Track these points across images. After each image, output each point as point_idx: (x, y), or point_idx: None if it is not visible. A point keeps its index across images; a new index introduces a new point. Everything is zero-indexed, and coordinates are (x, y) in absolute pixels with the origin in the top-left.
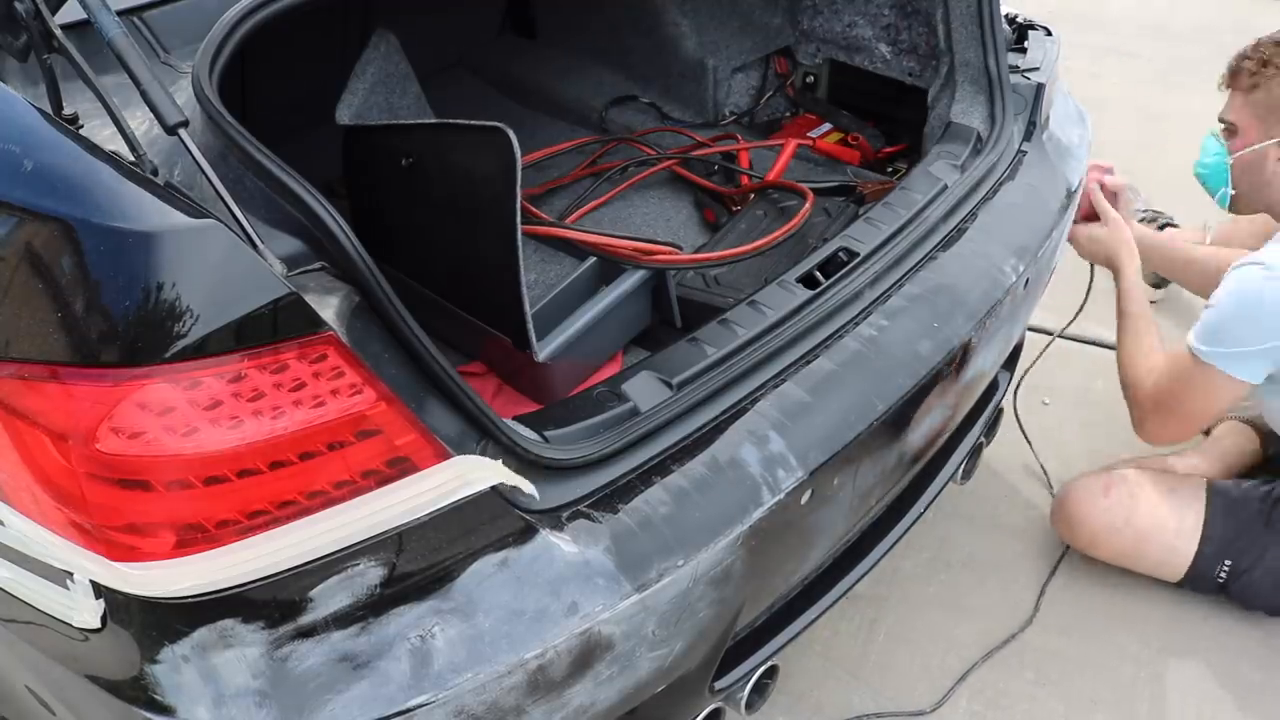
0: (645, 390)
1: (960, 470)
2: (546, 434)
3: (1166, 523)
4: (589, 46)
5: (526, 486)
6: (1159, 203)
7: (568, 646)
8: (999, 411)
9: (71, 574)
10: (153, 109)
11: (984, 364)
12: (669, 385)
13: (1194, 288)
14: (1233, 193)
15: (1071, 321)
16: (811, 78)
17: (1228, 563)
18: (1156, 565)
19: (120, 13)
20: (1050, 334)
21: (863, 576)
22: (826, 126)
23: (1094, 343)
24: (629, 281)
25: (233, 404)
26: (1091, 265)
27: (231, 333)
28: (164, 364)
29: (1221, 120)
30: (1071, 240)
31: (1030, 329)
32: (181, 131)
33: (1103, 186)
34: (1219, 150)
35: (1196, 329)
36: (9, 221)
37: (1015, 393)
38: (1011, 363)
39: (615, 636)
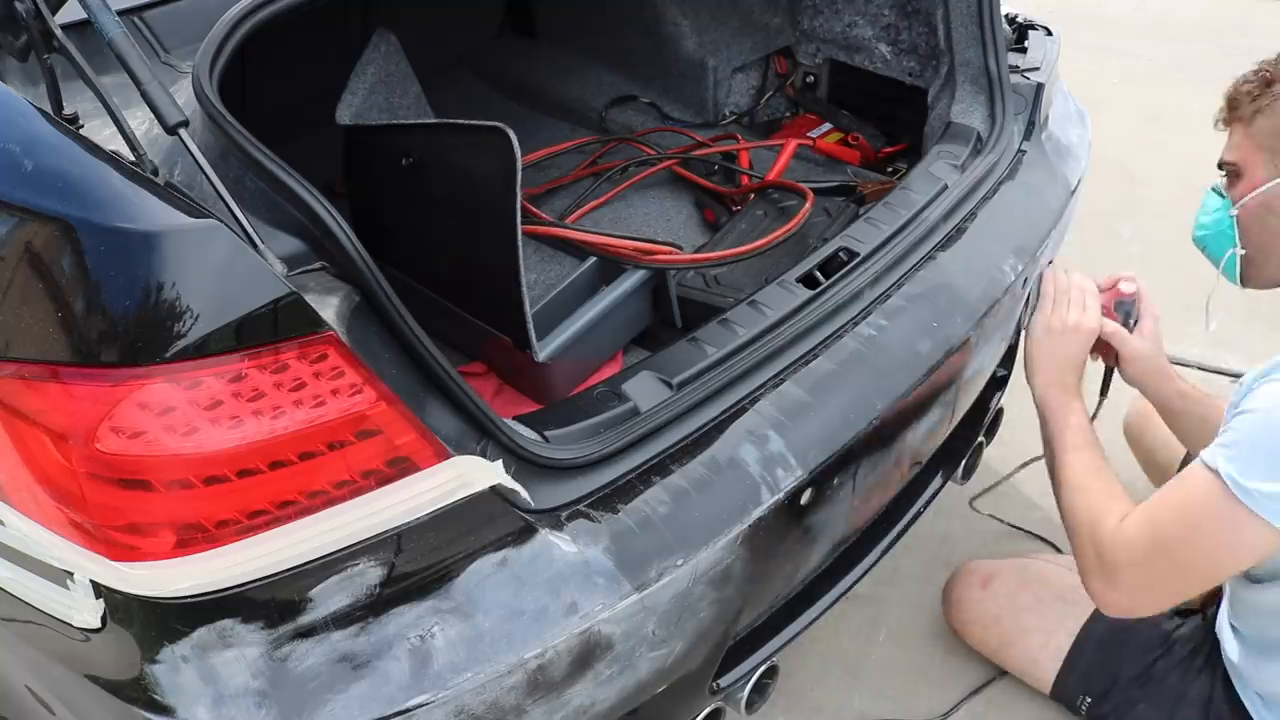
0: (645, 390)
1: (960, 470)
2: (546, 434)
3: (1033, 636)
4: (589, 46)
5: (523, 491)
6: (1160, 203)
7: (567, 646)
8: (999, 411)
9: (71, 574)
10: (153, 109)
11: (983, 363)
12: (669, 385)
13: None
14: (1243, 253)
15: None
16: (811, 78)
17: (1087, 699)
18: (1020, 673)
19: (120, 13)
20: None
21: (862, 576)
22: (826, 126)
23: None
24: (629, 281)
25: (233, 404)
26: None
27: (232, 332)
28: (164, 364)
29: (1221, 164)
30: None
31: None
32: (181, 131)
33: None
34: (1220, 207)
35: (1226, 452)
36: (9, 221)
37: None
38: (1010, 362)
39: (615, 636)
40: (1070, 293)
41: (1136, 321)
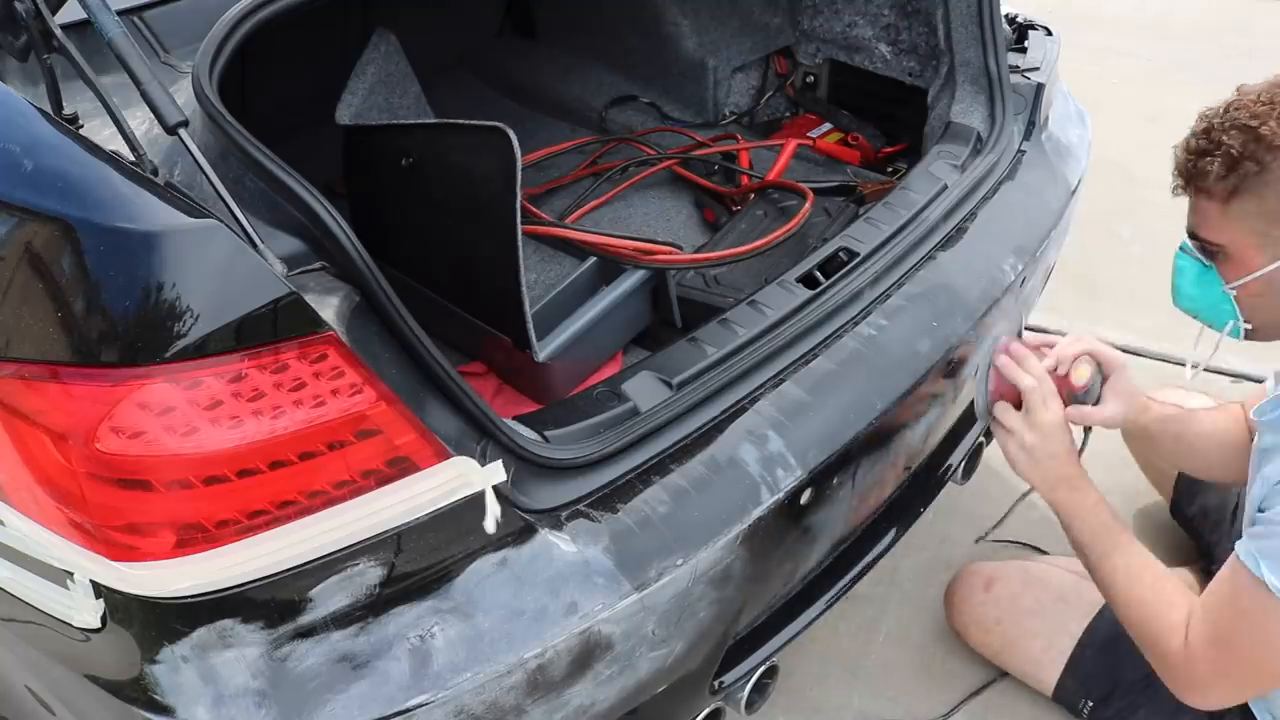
0: (645, 390)
1: (960, 470)
2: (546, 434)
3: (1035, 639)
4: (589, 46)
5: (493, 515)
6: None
7: (567, 646)
8: None
9: (71, 574)
10: (153, 109)
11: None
12: (669, 385)
13: (1201, 465)
14: (1249, 326)
15: None
16: (811, 77)
17: (1089, 703)
18: (1021, 675)
19: (120, 13)
20: (1048, 333)
21: (862, 576)
22: (826, 126)
23: None
24: (629, 281)
25: (233, 404)
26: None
27: (232, 332)
28: (164, 364)
29: (1194, 237)
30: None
31: (1029, 329)
32: (181, 131)
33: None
34: (1206, 276)
35: (1262, 547)
36: (9, 221)
37: None
38: None
39: (615, 636)
40: (1037, 392)
41: (1103, 387)
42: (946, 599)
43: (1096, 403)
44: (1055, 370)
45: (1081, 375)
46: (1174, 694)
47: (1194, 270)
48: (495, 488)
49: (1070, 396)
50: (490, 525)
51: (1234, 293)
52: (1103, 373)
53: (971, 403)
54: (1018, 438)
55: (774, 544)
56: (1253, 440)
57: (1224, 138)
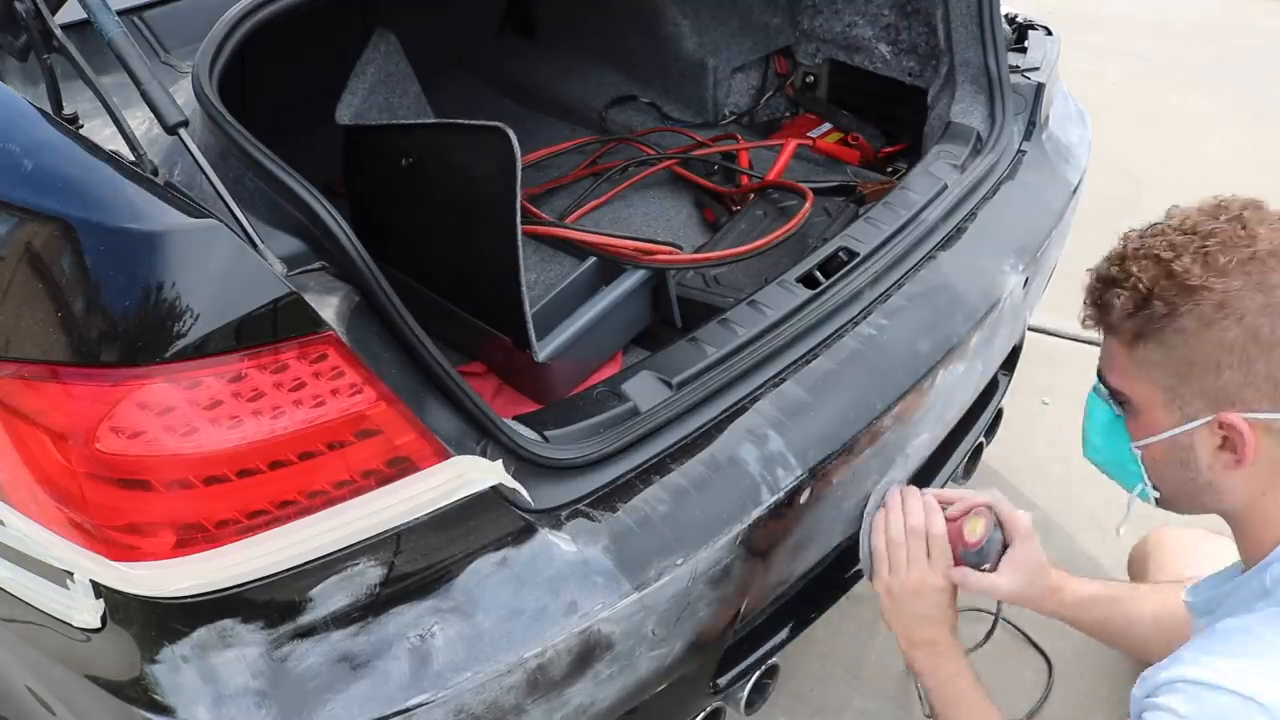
0: (645, 390)
1: (960, 470)
2: (546, 434)
3: None
4: (589, 46)
5: (523, 490)
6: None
7: (567, 645)
8: (999, 412)
9: (71, 574)
10: (153, 109)
11: (983, 363)
12: (669, 385)
13: (1139, 649)
14: (1157, 494)
15: None
16: (811, 77)
17: None
18: None
19: (120, 13)
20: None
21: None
22: (826, 126)
23: (1094, 343)
24: (629, 281)
25: (233, 404)
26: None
27: (231, 332)
28: (164, 364)
29: (1102, 380)
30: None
31: (1030, 329)
32: (181, 131)
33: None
34: (1115, 427)
35: None
36: (9, 221)
37: None
38: (1011, 363)
39: (615, 635)
40: (904, 548)
41: (1004, 549)
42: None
43: (993, 568)
44: (955, 520)
45: (974, 530)
46: None
47: (1103, 417)
48: (496, 486)
49: (963, 553)
50: (527, 498)
51: (1139, 453)
52: (1004, 538)
53: (972, 404)
54: (886, 584)
55: (774, 544)
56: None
57: (1134, 268)
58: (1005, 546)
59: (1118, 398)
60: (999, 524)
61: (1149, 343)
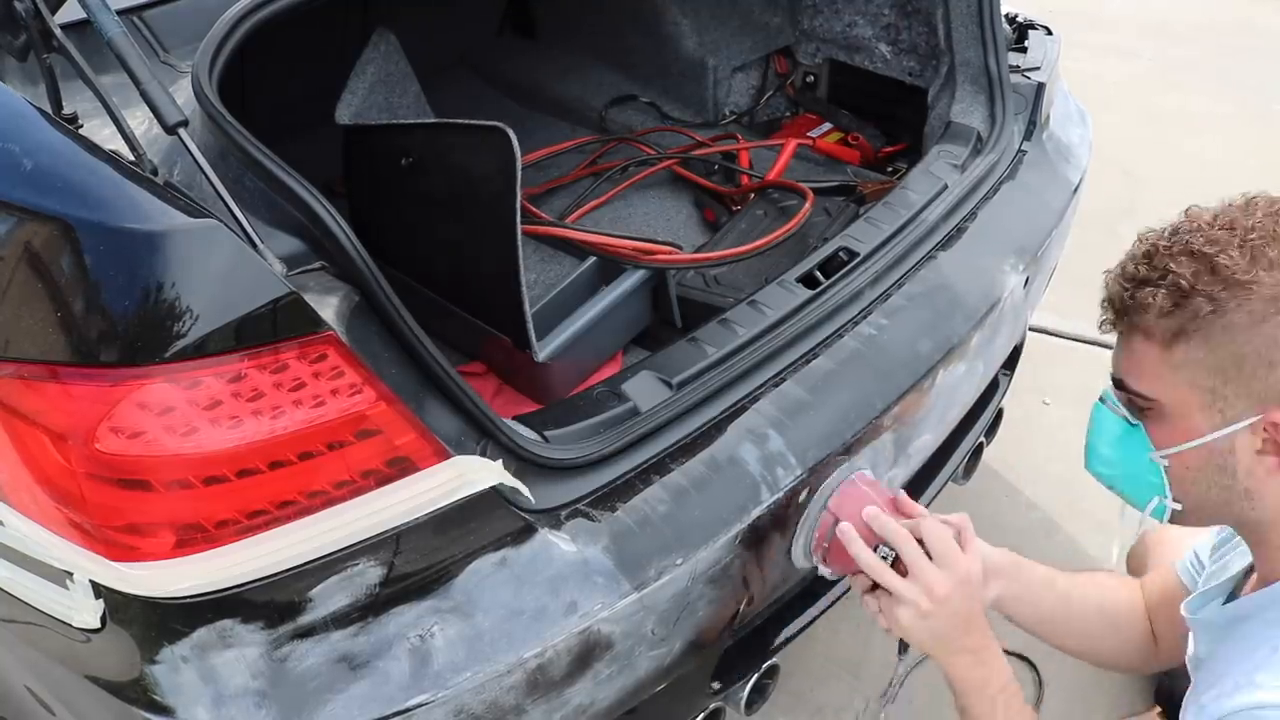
0: (645, 390)
1: (960, 470)
2: (546, 434)
3: None
4: (589, 46)
5: (524, 489)
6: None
7: (567, 645)
8: (999, 412)
9: (71, 574)
10: (152, 109)
11: (984, 363)
12: (669, 385)
13: (1071, 647)
14: (1177, 506)
15: None
16: (811, 77)
17: None
18: None
19: (120, 12)
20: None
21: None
22: (826, 126)
23: (1095, 343)
24: (629, 281)
25: (232, 404)
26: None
27: (231, 332)
28: (164, 364)
29: (1121, 387)
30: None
31: (1031, 329)
32: (181, 131)
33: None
34: (1131, 438)
35: None
36: (9, 221)
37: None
38: (1012, 363)
39: (614, 635)
40: (916, 546)
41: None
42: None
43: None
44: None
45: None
46: None
47: (1115, 428)
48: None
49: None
50: (530, 498)
51: (1165, 462)
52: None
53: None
54: (913, 597)
55: (774, 543)
56: (1158, 628)
57: (1171, 264)
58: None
59: (1140, 404)
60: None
61: (1190, 341)
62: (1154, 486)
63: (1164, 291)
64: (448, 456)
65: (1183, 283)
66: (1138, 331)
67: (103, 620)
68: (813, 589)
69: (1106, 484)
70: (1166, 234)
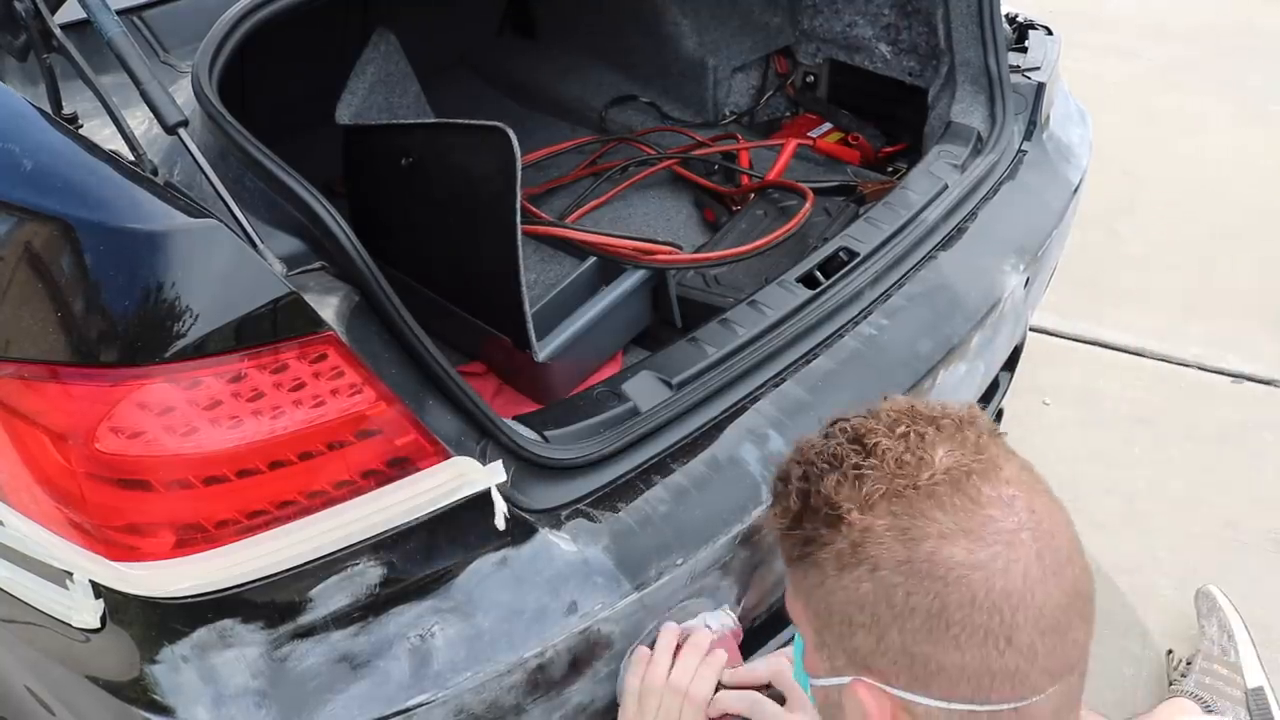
0: (645, 390)
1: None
2: (546, 434)
3: None
4: (589, 46)
5: (503, 511)
6: (1160, 203)
7: (567, 645)
8: (999, 412)
9: (71, 574)
10: (152, 108)
11: (985, 364)
12: (669, 385)
13: None
14: None
15: None
16: (811, 77)
17: None
18: None
19: (120, 12)
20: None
21: None
22: (827, 126)
23: (1095, 343)
24: (629, 281)
25: (232, 404)
26: None
27: (231, 332)
28: (164, 364)
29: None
30: None
31: (1031, 329)
32: (181, 131)
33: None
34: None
35: None
36: (9, 221)
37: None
38: (1012, 363)
39: (615, 635)
40: (659, 700)
41: None
42: None
43: None
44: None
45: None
46: None
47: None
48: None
49: None
50: (500, 522)
51: (811, 684)
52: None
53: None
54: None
55: (774, 543)
56: None
57: (793, 472)
58: None
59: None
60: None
61: (798, 571)
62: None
63: (781, 507)
64: (448, 456)
65: (793, 501)
66: (783, 550)
67: (103, 620)
68: None
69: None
70: (822, 430)
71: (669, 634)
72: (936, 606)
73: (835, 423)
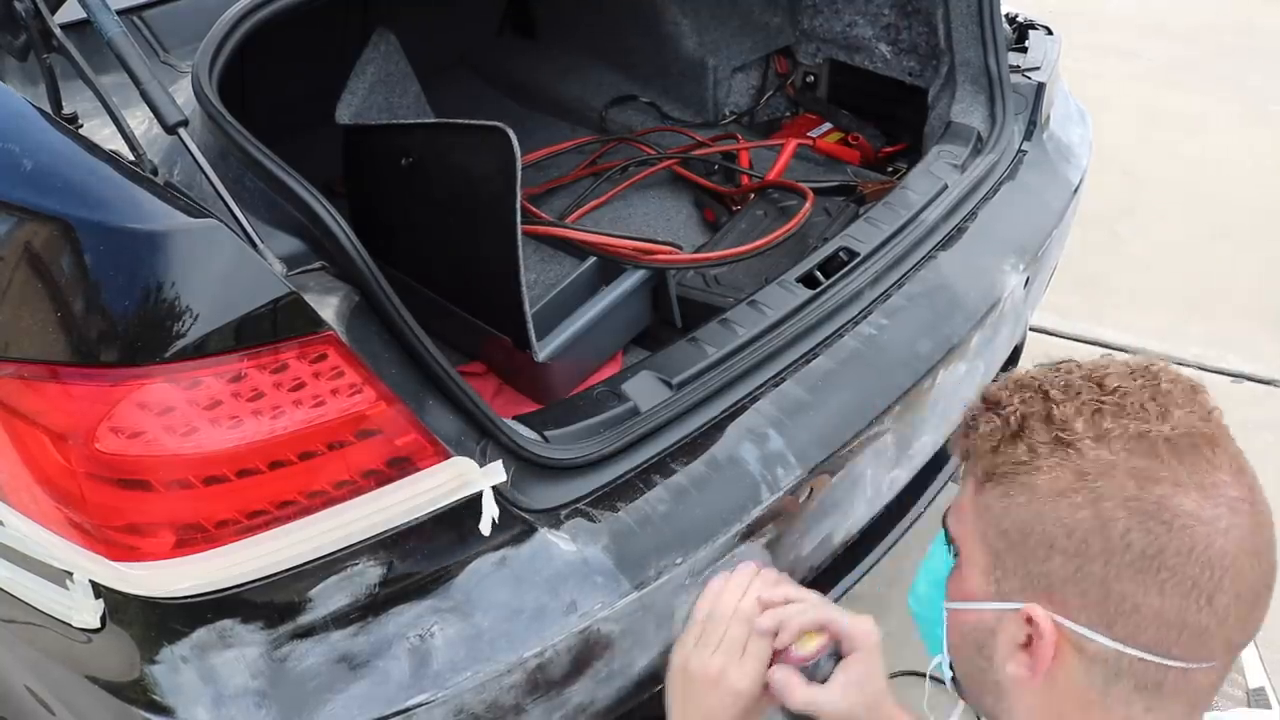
0: (645, 390)
1: (961, 470)
2: (546, 434)
3: None
4: (589, 46)
5: (491, 517)
6: (1160, 203)
7: (567, 645)
8: None
9: (71, 574)
10: (152, 108)
11: (985, 364)
12: (669, 385)
13: None
14: (953, 674)
15: None
16: (811, 77)
17: None
18: None
19: (120, 12)
20: (1051, 334)
21: (862, 577)
22: (826, 126)
23: (1095, 343)
24: (629, 281)
25: (232, 404)
26: None
27: (231, 332)
28: (164, 364)
29: (945, 520)
30: None
31: (1031, 329)
32: (181, 131)
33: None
34: (942, 580)
35: None
36: (9, 221)
37: None
38: (1012, 363)
39: (614, 635)
40: (725, 627)
41: (837, 662)
42: None
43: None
44: (777, 639)
45: (804, 645)
46: None
47: (938, 566)
48: (495, 487)
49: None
50: (486, 527)
51: (947, 614)
52: (838, 651)
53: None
54: (685, 657)
55: (774, 543)
56: None
57: (1017, 397)
58: (839, 658)
59: (953, 544)
60: (837, 643)
61: (997, 489)
62: (937, 641)
63: (997, 423)
64: (448, 456)
65: (1013, 420)
66: (969, 458)
67: (103, 620)
68: (814, 588)
69: (914, 619)
70: (1049, 366)
71: (745, 569)
72: (1154, 549)
73: (1062, 363)
